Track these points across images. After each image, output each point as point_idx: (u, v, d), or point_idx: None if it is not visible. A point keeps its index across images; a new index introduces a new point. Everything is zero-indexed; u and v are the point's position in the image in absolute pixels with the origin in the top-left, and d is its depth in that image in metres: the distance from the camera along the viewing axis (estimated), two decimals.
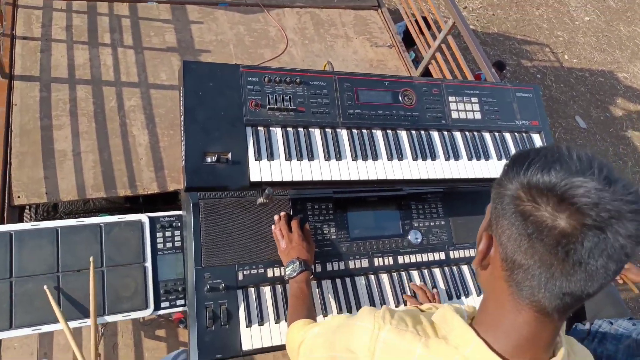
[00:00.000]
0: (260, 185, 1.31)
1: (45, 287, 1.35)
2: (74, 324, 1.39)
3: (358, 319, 0.83)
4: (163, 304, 1.48)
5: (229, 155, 1.28)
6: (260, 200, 1.32)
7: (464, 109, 1.67)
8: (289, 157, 1.36)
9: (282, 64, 2.97)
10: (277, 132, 1.38)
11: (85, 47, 2.59)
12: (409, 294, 1.60)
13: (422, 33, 3.35)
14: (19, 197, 2.04)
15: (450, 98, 1.66)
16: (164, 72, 2.66)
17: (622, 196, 0.61)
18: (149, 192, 2.28)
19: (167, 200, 2.55)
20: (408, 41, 3.63)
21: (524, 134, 1.78)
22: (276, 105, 1.38)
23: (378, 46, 3.35)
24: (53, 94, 2.36)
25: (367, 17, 3.47)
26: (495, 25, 6.78)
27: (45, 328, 1.36)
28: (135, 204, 2.61)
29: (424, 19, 3.37)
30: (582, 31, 7.20)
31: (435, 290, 1.63)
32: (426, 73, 3.33)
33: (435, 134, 1.62)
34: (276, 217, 1.50)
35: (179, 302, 1.49)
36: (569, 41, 7.01)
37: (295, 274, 1.35)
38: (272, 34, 3.09)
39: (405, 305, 1.57)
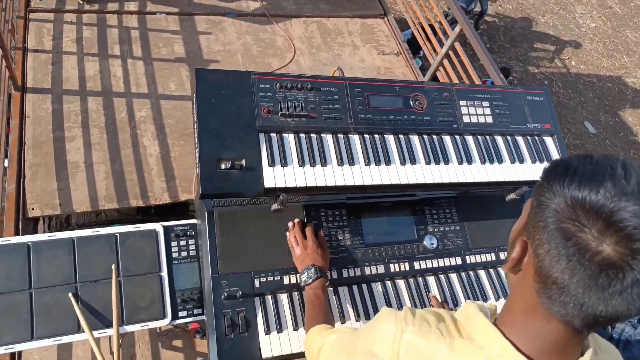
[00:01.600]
0: (274, 192, 1.31)
1: (70, 294, 1.35)
2: (94, 334, 1.39)
3: (379, 322, 0.82)
4: (180, 313, 1.48)
5: (243, 162, 1.28)
6: (275, 206, 1.32)
7: (475, 112, 1.67)
8: (302, 163, 1.36)
9: (289, 72, 2.99)
10: (290, 138, 1.38)
11: (95, 59, 2.62)
12: (427, 302, 1.58)
13: (429, 40, 3.36)
14: (33, 209, 2.05)
15: (462, 102, 1.66)
16: (173, 83, 2.68)
17: None
18: (160, 203, 2.29)
19: (178, 211, 2.55)
20: (413, 48, 3.63)
21: (536, 137, 1.77)
22: (288, 111, 1.38)
23: (385, 54, 3.36)
24: (65, 106, 2.38)
25: (374, 26, 3.49)
26: (502, 33, 6.79)
27: (66, 339, 1.36)
28: (146, 215, 2.62)
29: (431, 26, 3.38)
30: (589, 37, 7.19)
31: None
32: (434, 80, 3.33)
33: (447, 138, 1.61)
34: (290, 224, 1.49)
35: (196, 311, 1.49)
36: (575, 47, 6.99)
37: (310, 281, 1.34)
38: (279, 43, 3.11)
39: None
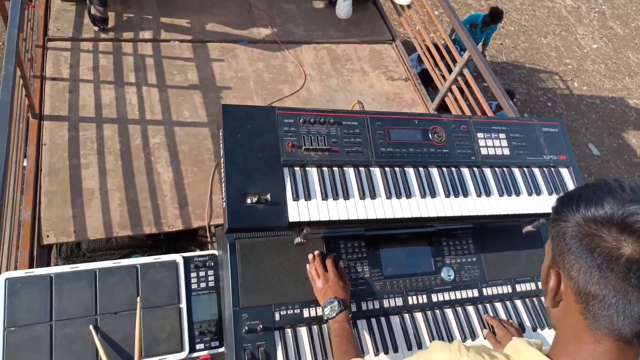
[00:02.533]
0: (298, 225, 1.32)
1: (91, 326, 1.35)
2: None
3: (433, 353, 0.84)
4: (198, 346, 1.47)
5: (268, 196, 1.30)
6: (298, 240, 1.33)
7: (493, 145, 1.69)
8: (325, 197, 1.37)
9: (300, 99, 3.02)
10: (313, 172, 1.40)
11: (111, 87, 2.65)
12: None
13: (437, 65, 3.40)
14: (48, 236, 2.06)
15: (479, 134, 1.68)
16: (187, 110, 2.71)
17: None
18: (174, 230, 2.30)
19: (188, 236, 2.56)
20: (425, 80, 3.67)
21: (552, 169, 1.78)
22: (311, 145, 1.40)
23: (394, 79, 3.40)
24: (81, 133, 2.40)
25: (382, 51, 3.54)
26: (504, 54, 6.87)
27: None
28: (157, 240, 2.62)
29: (438, 50, 3.42)
30: (591, 59, 7.28)
31: (511, 321, 1.61)
32: (442, 105, 3.37)
33: (465, 171, 1.63)
34: (310, 256, 1.50)
35: (213, 344, 1.48)
36: (578, 69, 7.08)
37: (335, 314, 1.34)
38: (290, 69, 3.15)
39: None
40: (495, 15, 5.15)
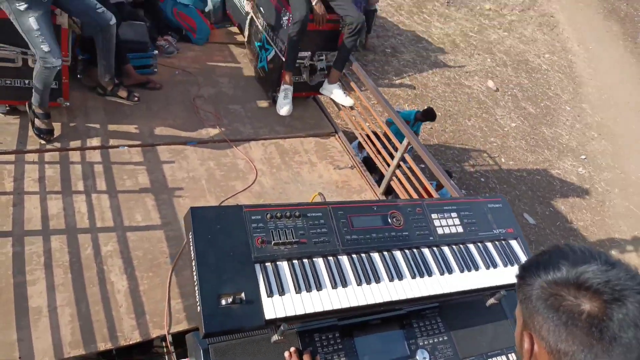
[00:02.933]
0: (274, 322, 1.30)
1: None
2: None
3: None
4: None
5: (243, 295, 1.28)
6: (275, 337, 1.30)
7: (447, 224, 1.79)
8: (298, 290, 1.38)
9: (253, 193, 3.07)
10: (284, 266, 1.41)
11: (58, 197, 2.58)
12: None
13: (380, 153, 3.62)
14: None
15: (433, 215, 1.78)
16: (139, 214, 2.67)
17: (626, 273, 0.75)
18: (131, 343, 2.16)
19: (142, 348, 2.40)
20: (369, 166, 3.86)
21: (503, 242, 1.90)
22: (280, 239, 1.43)
23: (340, 168, 3.56)
24: (26, 248, 2.28)
25: (327, 143, 3.73)
26: (435, 137, 7.41)
27: None
28: (108, 357, 2.43)
29: (378, 138, 3.66)
30: (512, 136, 8.00)
31: None
32: (389, 190, 3.54)
33: (426, 251, 1.70)
34: (287, 354, 1.46)
35: None
36: (502, 146, 7.72)
37: None
38: (241, 166, 3.23)
39: None
40: (430, 115, 5.67)
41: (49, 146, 2.83)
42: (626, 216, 7.25)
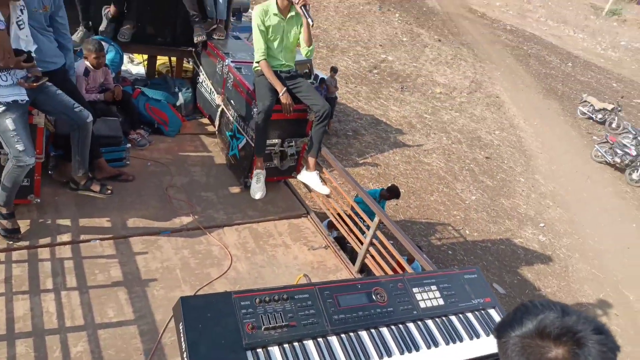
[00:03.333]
0: None
1: None
2: None
3: None
4: None
5: None
6: None
7: (428, 297, 1.84)
8: None
9: (229, 280, 3.04)
10: (276, 351, 1.40)
11: (25, 297, 2.48)
12: None
13: (352, 231, 3.70)
14: None
15: (414, 289, 1.83)
16: (111, 309, 2.58)
17: (580, 319, 0.85)
18: None
19: None
20: (341, 244, 3.93)
21: (482, 312, 1.95)
22: (270, 324, 1.42)
23: (315, 249, 3.59)
24: None
25: (300, 224, 3.79)
26: (401, 213, 7.61)
27: None
28: None
29: (350, 217, 3.76)
30: (473, 208, 8.31)
31: None
32: (363, 267, 3.58)
33: (411, 326, 1.72)
34: None
35: None
36: (465, 218, 7.99)
37: None
38: (215, 252, 3.21)
39: None
40: (395, 192, 5.90)
41: (16, 245, 2.76)
42: (590, 280, 7.47)
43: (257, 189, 3.67)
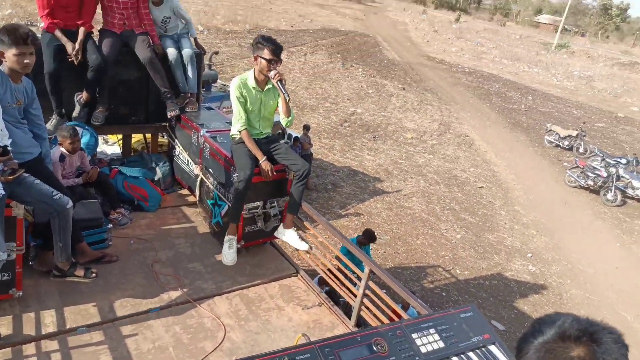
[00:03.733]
0: None
1: None
2: None
3: None
4: None
5: None
6: None
7: (428, 341, 1.83)
8: None
9: (225, 351, 2.96)
10: None
11: None
12: None
13: (344, 285, 3.67)
14: None
15: (414, 335, 1.82)
16: None
17: (595, 322, 0.97)
18: None
19: None
20: (333, 297, 3.89)
21: (483, 349, 1.94)
22: None
23: (308, 308, 3.54)
24: None
25: (291, 284, 3.75)
26: (390, 260, 7.58)
27: None
28: None
29: (340, 270, 3.73)
30: (460, 246, 8.35)
31: None
32: (360, 319, 3.52)
33: None
34: None
35: None
36: (453, 257, 8.00)
37: None
38: (208, 324, 3.14)
39: None
40: (370, 236, 5.89)
41: None
42: (585, 304, 7.47)
43: (229, 255, 3.66)
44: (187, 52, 4.48)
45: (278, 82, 3.43)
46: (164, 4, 4.42)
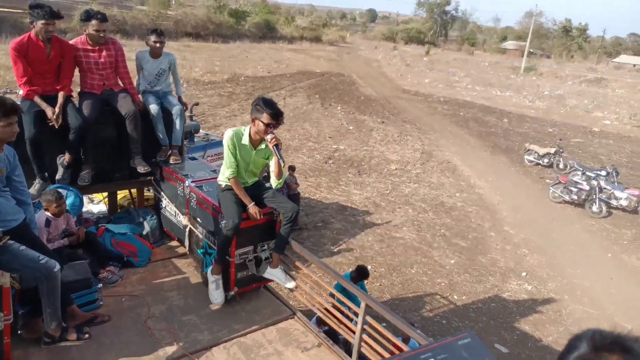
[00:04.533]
0: None
1: None
2: None
3: None
4: None
5: None
6: None
7: None
8: None
9: None
10: None
11: None
12: None
13: (342, 322, 3.63)
14: None
15: None
16: None
17: (621, 334, 1.01)
18: None
19: None
20: (332, 336, 3.84)
21: None
22: None
23: (308, 349, 3.49)
24: None
25: (288, 327, 3.70)
26: (387, 292, 7.52)
27: None
28: None
29: (337, 308, 3.71)
30: (455, 272, 8.33)
31: None
32: (360, 356, 3.47)
33: None
34: None
35: None
36: (449, 284, 7.97)
37: None
38: None
39: None
40: (363, 272, 5.84)
41: None
42: (585, 319, 7.44)
43: (217, 295, 3.65)
44: (177, 108, 4.60)
45: (274, 147, 3.41)
46: (163, 57, 4.59)
